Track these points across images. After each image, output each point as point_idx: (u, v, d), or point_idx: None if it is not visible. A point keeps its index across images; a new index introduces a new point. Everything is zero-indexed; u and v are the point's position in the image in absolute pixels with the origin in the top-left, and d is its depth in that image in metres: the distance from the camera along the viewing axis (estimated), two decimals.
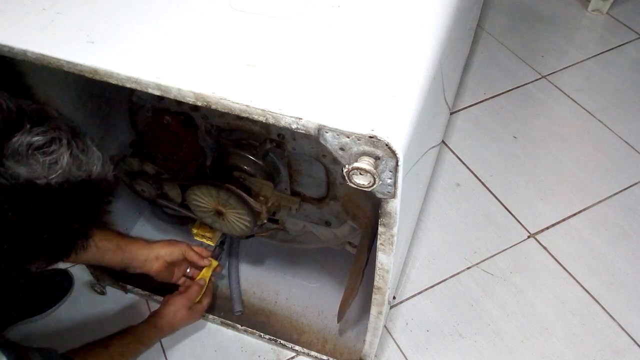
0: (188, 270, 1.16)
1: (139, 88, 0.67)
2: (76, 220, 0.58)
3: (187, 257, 1.12)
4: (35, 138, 0.53)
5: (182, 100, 0.66)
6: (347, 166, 0.60)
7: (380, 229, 0.73)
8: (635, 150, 1.58)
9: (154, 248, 1.10)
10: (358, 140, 0.59)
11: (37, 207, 0.53)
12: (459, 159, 1.57)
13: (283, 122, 0.62)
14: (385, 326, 1.21)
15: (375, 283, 0.86)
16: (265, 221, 1.01)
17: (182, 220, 1.30)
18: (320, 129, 0.60)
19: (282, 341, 1.18)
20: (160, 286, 1.17)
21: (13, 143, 0.52)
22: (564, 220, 1.42)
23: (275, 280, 1.29)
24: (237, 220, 0.99)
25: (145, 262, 1.09)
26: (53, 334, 1.20)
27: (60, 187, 0.54)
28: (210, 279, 1.15)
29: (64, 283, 1.27)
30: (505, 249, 1.37)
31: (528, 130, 1.65)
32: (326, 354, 1.16)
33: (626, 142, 1.60)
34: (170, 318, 1.07)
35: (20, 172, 0.51)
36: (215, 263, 1.16)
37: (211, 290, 1.16)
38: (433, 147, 1.17)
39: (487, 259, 1.35)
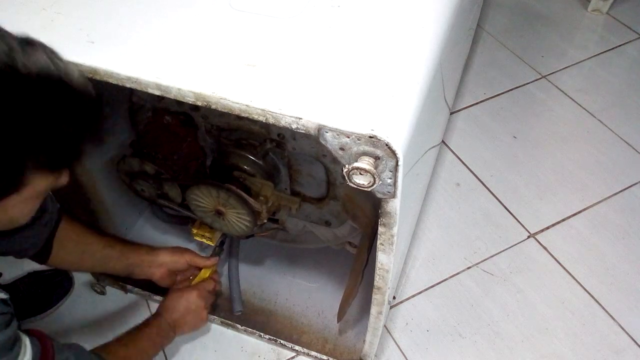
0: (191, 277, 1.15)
1: (139, 88, 0.67)
2: (66, 122, 0.59)
3: (193, 264, 1.11)
4: (12, 37, 0.56)
5: (182, 100, 0.66)
6: (347, 166, 0.60)
7: (380, 229, 0.73)
8: (635, 150, 1.58)
9: (158, 255, 1.08)
10: (358, 140, 0.59)
11: (21, 97, 0.54)
12: (459, 159, 1.57)
13: (283, 122, 0.62)
14: (385, 326, 1.21)
15: (375, 283, 0.86)
16: (265, 221, 1.01)
17: (182, 220, 1.30)
18: (320, 129, 0.60)
19: (282, 341, 1.18)
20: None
21: None
22: (564, 220, 1.42)
23: (275, 280, 1.29)
24: (237, 220, 0.99)
25: (149, 269, 1.08)
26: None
27: (41, 80, 0.56)
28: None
29: (64, 283, 1.26)
30: (505, 249, 1.37)
31: (528, 130, 1.65)
32: (326, 354, 1.16)
33: (626, 142, 1.60)
34: (182, 309, 1.04)
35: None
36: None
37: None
38: (433, 147, 1.17)
39: (487, 259, 1.35)
